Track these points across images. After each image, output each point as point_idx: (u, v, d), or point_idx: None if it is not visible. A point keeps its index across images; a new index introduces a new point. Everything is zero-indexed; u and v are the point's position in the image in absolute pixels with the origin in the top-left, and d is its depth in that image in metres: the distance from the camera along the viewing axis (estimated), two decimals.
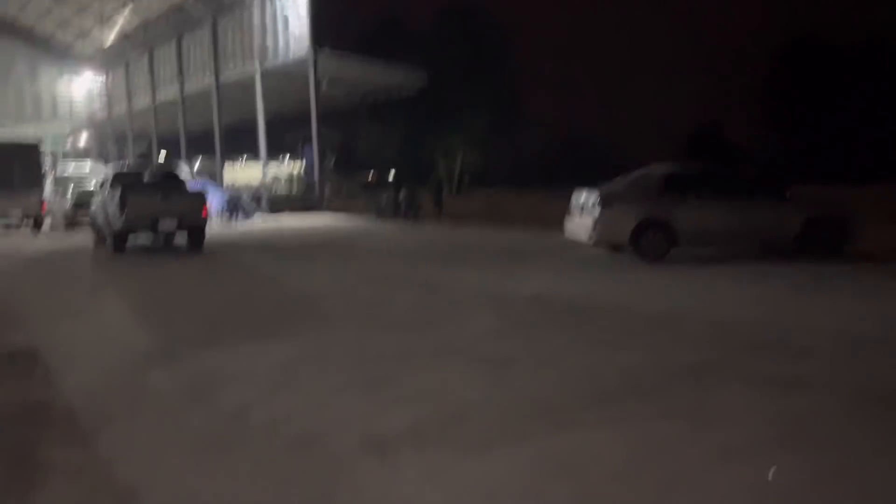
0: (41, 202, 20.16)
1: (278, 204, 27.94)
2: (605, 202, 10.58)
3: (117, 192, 13.06)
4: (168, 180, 14.97)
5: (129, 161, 35.93)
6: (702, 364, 4.89)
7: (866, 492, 2.98)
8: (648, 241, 10.40)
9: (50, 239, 17.98)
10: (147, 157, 39.11)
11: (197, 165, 36.59)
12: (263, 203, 26.74)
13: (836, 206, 11.01)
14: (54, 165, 24.69)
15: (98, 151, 43.80)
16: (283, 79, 30.38)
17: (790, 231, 10.28)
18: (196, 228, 13.64)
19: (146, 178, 14.76)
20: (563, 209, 12.14)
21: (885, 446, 3.43)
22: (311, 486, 3.12)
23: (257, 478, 3.23)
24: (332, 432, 3.74)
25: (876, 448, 3.41)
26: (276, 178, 33.13)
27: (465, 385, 4.51)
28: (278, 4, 29.76)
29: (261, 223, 23.07)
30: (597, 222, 10.57)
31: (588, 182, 12.58)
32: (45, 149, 22.38)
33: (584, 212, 10.97)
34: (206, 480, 3.22)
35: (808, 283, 8.30)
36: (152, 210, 12.97)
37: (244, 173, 37.26)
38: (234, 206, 23.85)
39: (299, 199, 29.17)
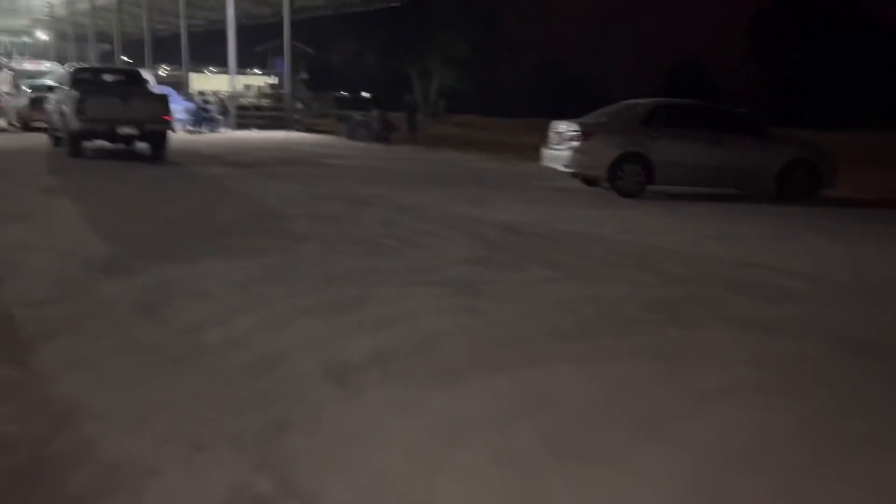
0: None
1: (246, 118, 27.07)
2: (584, 134, 10.31)
3: (74, 93, 12.39)
4: (129, 83, 14.25)
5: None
6: (679, 301, 4.75)
7: (846, 439, 2.85)
8: (626, 175, 10.20)
9: (3, 138, 17.16)
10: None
11: (162, 73, 35.19)
12: (231, 116, 25.90)
13: (816, 148, 10.87)
14: (9, 59, 23.35)
15: (57, 52, 41.82)
16: None
17: (771, 171, 10.16)
18: (158, 135, 13.06)
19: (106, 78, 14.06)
20: (540, 138, 11.85)
21: (865, 393, 3.31)
22: (268, 414, 2.89)
23: (210, 402, 3.00)
24: (292, 357, 3.51)
25: (856, 395, 3.29)
26: (245, 90, 32.00)
27: (434, 311, 4.29)
28: None
29: (227, 137, 22.36)
30: (575, 154, 10.32)
31: (566, 112, 12.28)
32: None
33: (562, 142, 10.69)
34: (154, 403, 2.98)
35: (787, 225, 8.21)
36: (111, 113, 12.34)
37: (211, 84, 35.94)
38: (200, 117, 23.04)
39: (268, 114, 28.26)
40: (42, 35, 46.36)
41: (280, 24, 28.15)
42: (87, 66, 18.88)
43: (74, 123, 12.27)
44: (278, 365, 3.40)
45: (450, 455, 2.62)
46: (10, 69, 24.75)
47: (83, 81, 13.52)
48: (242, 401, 3.02)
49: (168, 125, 13.34)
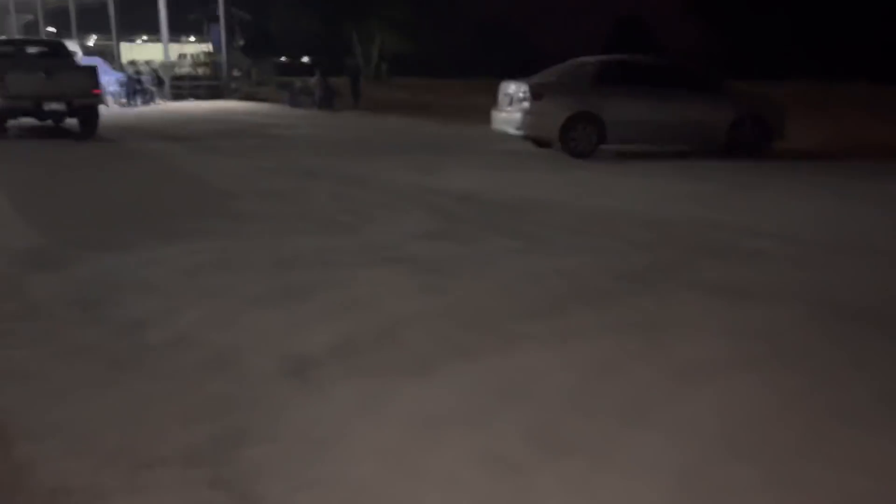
0: None
1: (182, 89, 26.04)
2: (534, 94, 10.07)
3: None
4: (54, 55, 13.41)
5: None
6: (648, 268, 4.60)
7: (840, 414, 2.73)
8: (578, 136, 10.03)
9: None
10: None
11: (90, 44, 33.56)
12: (166, 87, 24.88)
13: (766, 101, 10.87)
14: None
15: None
16: None
17: (722, 126, 10.10)
18: (87, 110, 12.36)
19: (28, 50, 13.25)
20: (487, 100, 11.59)
21: (853, 361, 3.21)
22: (223, 421, 2.63)
23: (158, 411, 2.72)
24: (246, 352, 3.24)
25: (845, 363, 3.18)
26: (179, 60, 30.74)
27: (396, 293, 4.06)
28: None
29: (163, 108, 21.47)
30: (526, 115, 10.10)
31: (510, 72, 12.04)
32: None
33: (512, 104, 10.45)
34: (96, 416, 2.68)
35: (742, 181, 8.16)
36: (35, 89, 11.61)
37: (144, 53, 34.45)
38: (133, 88, 22.05)
39: (205, 83, 27.22)
40: None
41: None
42: (6, 38, 17.73)
43: None
44: (231, 363, 3.13)
45: (427, 458, 2.40)
46: None
47: (3, 56, 12.70)
48: (194, 407, 2.75)
49: (98, 99, 12.65)
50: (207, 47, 33.92)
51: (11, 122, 12.40)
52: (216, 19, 27.99)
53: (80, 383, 2.96)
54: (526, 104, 10.09)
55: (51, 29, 37.23)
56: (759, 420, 2.67)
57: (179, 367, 3.09)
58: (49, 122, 12.98)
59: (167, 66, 26.86)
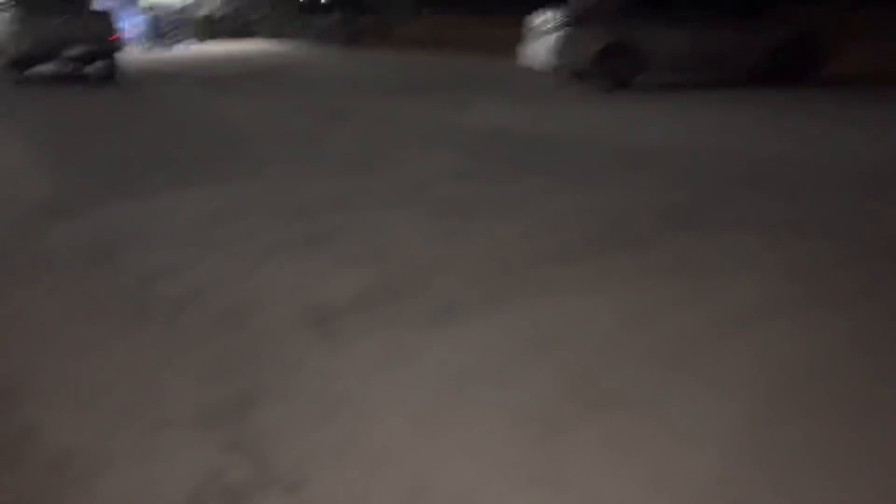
0: None
1: (205, 30, 25.65)
2: (567, 24, 9.59)
3: (13, 15, 11.40)
4: (71, 1, 13.15)
5: None
6: (685, 205, 4.32)
7: (886, 366, 2.49)
8: (614, 67, 9.57)
9: None
10: None
11: None
12: (188, 29, 24.52)
13: (808, 25, 10.23)
14: None
15: None
16: None
17: (764, 52, 9.55)
18: (107, 55, 12.17)
19: None
20: (517, 34, 11.12)
21: None
22: (240, 379, 2.48)
23: (171, 368, 2.58)
24: (265, 304, 3.07)
25: (892, 309, 2.92)
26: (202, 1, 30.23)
27: (423, 237, 3.85)
28: None
29: (185, 52, 21.17)
30: (559, 46, 9.64)
31: (542, 3, 11.50)
32: None
33: (543, 36, 9.98)
34: (106, 374, 2.55)
35: (785, 110, 7.70)
36: (54, 34, 11.42)
37: None
38: (155, 31, 21.75)
39: (228, 25, 26.78)
40: None
41: None
42: None
43: (13, 47, 11.35)
44: (250, 316, 2.96)
45: (455, 418, 2.22)
46: None
47: (21, 3, 12.48)
48: (209, 364, 2.60)
49: (117, 44, 12.43)
50: None
51: (30, 70, 12.28)
52: None
53: (92, 339, 2.83)
54: (558, 34, 9.63)
55: None
56: (819, 372, 2.44)
57: (195, 321, 2.93)
58: (69, 68, 12.83)
59: (188, 7, 26.43)
